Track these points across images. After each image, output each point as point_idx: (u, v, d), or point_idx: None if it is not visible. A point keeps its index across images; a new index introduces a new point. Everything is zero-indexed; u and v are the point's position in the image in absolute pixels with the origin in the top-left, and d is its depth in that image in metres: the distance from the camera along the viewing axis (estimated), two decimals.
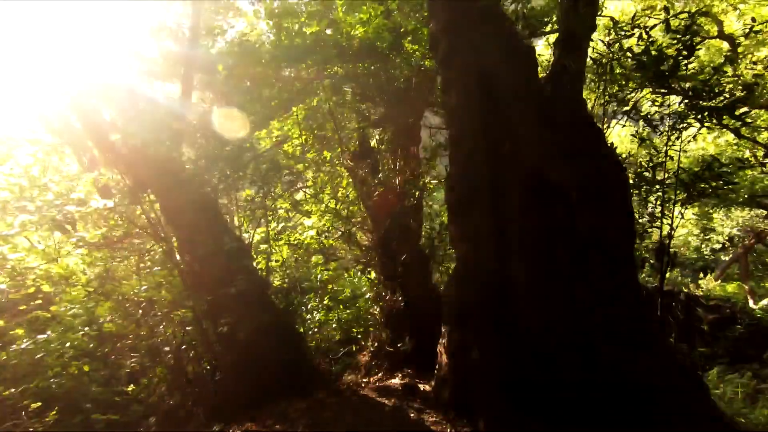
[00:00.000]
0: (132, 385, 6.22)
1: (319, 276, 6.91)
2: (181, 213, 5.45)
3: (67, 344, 5.11)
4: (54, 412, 4.89)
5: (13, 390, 4.49)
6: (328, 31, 5.92)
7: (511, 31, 4.41)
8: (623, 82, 4.11)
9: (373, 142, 8.30)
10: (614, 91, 4.30)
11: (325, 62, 5.59)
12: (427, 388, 5.00)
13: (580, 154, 4.00)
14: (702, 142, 12.12)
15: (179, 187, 5.47)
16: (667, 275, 4.80)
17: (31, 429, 4.62)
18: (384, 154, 7.46)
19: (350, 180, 8.19)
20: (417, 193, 6.28)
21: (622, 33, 3.97)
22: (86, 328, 5.67)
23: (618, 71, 4.15)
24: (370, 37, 6.03)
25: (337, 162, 6.82)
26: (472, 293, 4.25)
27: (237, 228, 7.00)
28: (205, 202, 5.73)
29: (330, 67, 6.29)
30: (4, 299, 5.71)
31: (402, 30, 5.88)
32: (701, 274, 20.93)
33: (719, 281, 20.42)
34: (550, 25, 6.49)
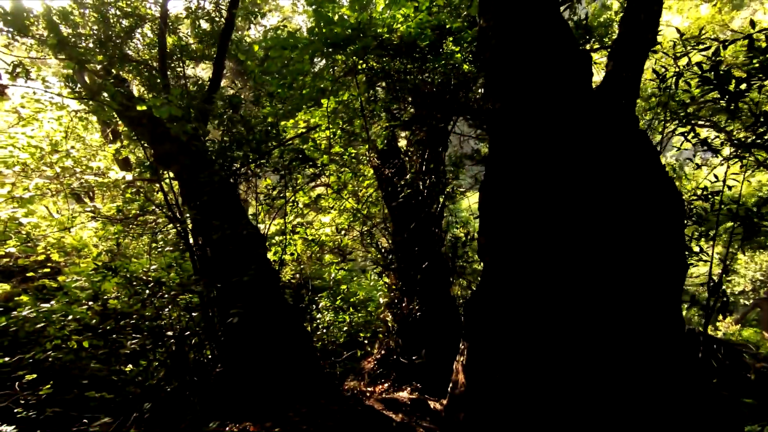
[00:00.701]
0: (131, 366, 6.04)
1: (333, 275, 6.65)
2: (199, 194, 5.26)
3: (70, 317, 4.93)
4: (48, 386, 4.72)
5: (7, 359, 4.31)
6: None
7: (568, 34, 4.11)
8: (688, 101, 3.78)
9: (401, 143, 8.06)
10: (675, 109, 3.96)
11: (363, 52, 5.35)
12: (438, 406, 4.68)
13: (632, 175, 3.68)
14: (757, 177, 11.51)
15: (200, 167, 5.28)
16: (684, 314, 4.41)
17: (22, 401, 4.45)
18: (412, 156, 7.20)
19: (373, 179, 7.95)
20: (442, 199, 6.00)
21: (692, 46, 3.64)
22: (91, 303, 5.52)
23: (682, 88, 3.81)
24: (412, 32, 5.79)
25: (364, 159, 6.57)
26: (499, 311, 3.94)
27: (254, 217, 6.80)
28: (224, 185, 5.54)
29: (367, 60, 6.06)
30: (13, 263, 5.60)
31: (447, 27, 5.62)
32: (720, 316, 20.21)
33: (738, 325, 19.78)
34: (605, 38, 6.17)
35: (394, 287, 5.61)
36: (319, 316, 6.43)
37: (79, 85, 5.29)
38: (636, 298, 3.45)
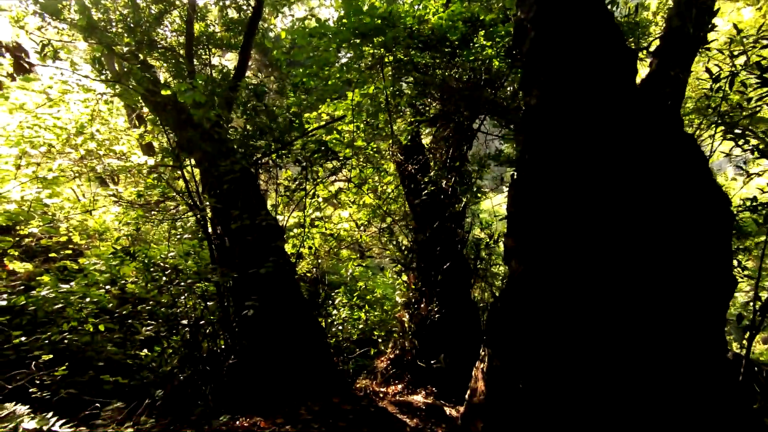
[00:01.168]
0: (146, 351, 6.05)
1: (350, 271, 6.52)
2: (220, 183, 5.19)
3: (88, 299, 4.93)
4: (64, 368, 4.73)
5: (24, 339, 4.32)
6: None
7: (613, 28, 3.86)
8: (744, 102, 3.49)
9: (425, 140, 7.87)
10: (725, 110, 3.67)
11: (393, 42, 5.18)
12: (454, 413, 4.50)
13: (678, 181, 3.42)
14: None
15: (222, 155, 5.20)
16: None
17: (38, 381, 4.46)
18: (435, 154, 7.01)
19: (395, 175, 7.79)
20: (465, 199, 5.79)
21: (752, 44, 3.35)
22: (109, 287, 5.53)
23: (736, 89, 3.52)
24: (443, 24, 5.58)
25: (386, 155, 6.41)
26: (525, 319, 3.74)
27: (273, 208, 6.72)
28: (245, 175, 5.46)
29: (394, 53, 5.89)
30: (36, 244, 5.66)
31: (480, 19, 5.40)
32: (747, 335, 19.35)
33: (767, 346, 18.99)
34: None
35: (412, 287, 5.44)
36: (334, 312, 6.32)
37: (106, 69, 5.27)
38: (677, 314, 3.21)
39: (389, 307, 7.07)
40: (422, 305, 5.39)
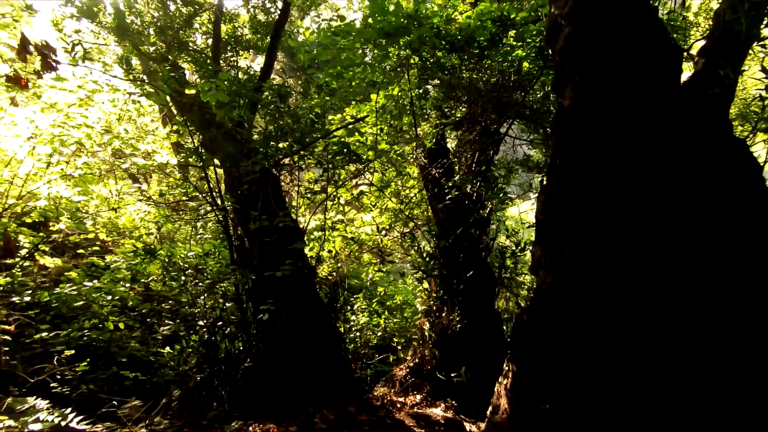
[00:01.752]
0: (168, 348, 6.09)
1: (370, 276, 6.38)
2: (241, 183, 5.16)
3: (109, 297, 4.98)
4: (85, 363, 4.78)
5: (45, 334, 4.38)
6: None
7: (656, 23, 3.59)
8: None
9: (450, 144, 7.67)
10: None
11: (418, 42, 5.03)
12: (474, 429, 4.28)
13: (728, 189, 3.12)
14: None
15: (243, 155, 5.18)
16: None
17: (59, 376, 4.52)
18: (461, 158, 6.80)
19: (418, 179, 7.62)
20: (491, 205, 5.56)
21: None
22: (132, 284, 5.58)
23: None
24: (471, 24, 5.40)
25: (410, 158, 6.26)
26: (554, 334, 3.49)
27: (294, 210, 6.68)
28: (266, 176, 5.41)
29: (420, 53, 5.74)
30: (65, 240, 5.79)
31: (511, 18, 5.19)
32: None
33: None
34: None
35: (434, 295, 5.25)
36: (353, 318, 6.19)
37: (135, 69, 5.35)
38: (727, 338, 2.90)
39: (409, 314, 6.89)
40: (444, 314, 5.19)
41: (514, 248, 5.11)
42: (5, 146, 4.90)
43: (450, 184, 5.47)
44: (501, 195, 5.11)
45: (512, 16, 4.90)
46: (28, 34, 4.53)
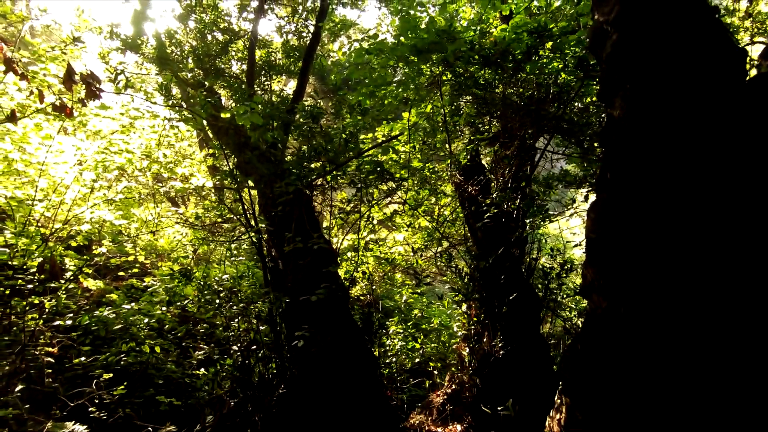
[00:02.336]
0: (203, 369, 6.07)
1: (404, 297, 6.17)
2: (274, 204, 5.13)
3: (146, 320, 5.01)
4: (122, 387, 4.79)
5: (83, 359, 4.41)
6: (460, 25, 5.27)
7: (715, 24, 3.31)
8: None
9: (485, 160, 7.46)
10: None
11: (453, 57, 4.92)
12: None
13: None
14: None
15: (277, 176, 5.16)
16: None
17: (97, 400, 4.53)
18: (497, 174, 6.56)
19: (453, 197, 7.41)
20: (531, 222, 5.26)
21: None
22: (169, 307, 5.62)
23: None
24: (506, 37, 5.25)
25: (444, 176, 6.08)
26: (613, 365, 3.17)
27: (327, 230, 6.60)
28: (299, 196, 5.37)
29: (454, 68, 5.62)
30: (104, 262, 5.94)
31: (548, 29, 5.00)
32: None
33: None
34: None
35: (475, 319, 4.98)
36: (388, 341, 5.97)
37: (173, 96, 5.51)
38: None
39: (446, 337, 6.59)
40: (485, 339, 4.90)
41: (558, 269, 4.79)
42: (53, 173, 5.10)
43: (488, 202, 5.24)
44: (543, 212, 4.83)
45: (550, 27, 4.71)
46: (76, 66, 4.75)
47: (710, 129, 3.08)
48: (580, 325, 6.60)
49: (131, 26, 7.64)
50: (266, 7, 8.28)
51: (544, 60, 5.88)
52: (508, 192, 5.54)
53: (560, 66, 6.02)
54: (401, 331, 5.91)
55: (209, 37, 7.92)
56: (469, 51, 4.80)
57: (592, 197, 6.74)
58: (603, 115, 6.92)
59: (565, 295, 5.61)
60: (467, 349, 5.40)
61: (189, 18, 8.12)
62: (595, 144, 6.77)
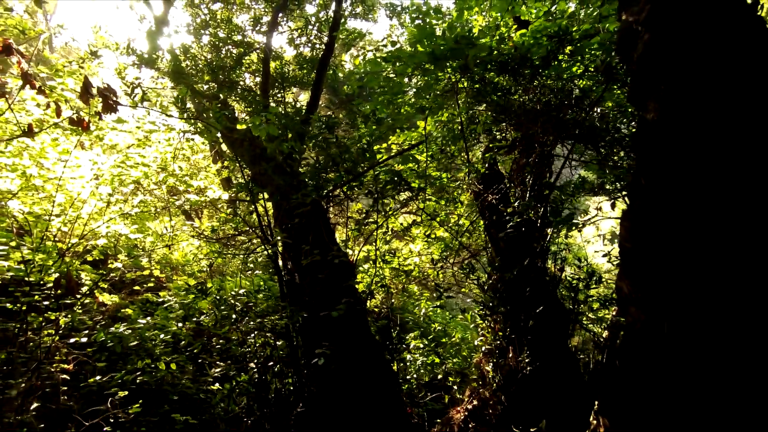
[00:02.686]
0: (218, 385, 5.95)
1: (423, 310, 5.99)
2: (291, 216, 5.03)
3: (162, 336, 4.91)
4: (138, 405, 4.68)
5: (99, 377, 4.32)
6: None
7: (756, 21, 3.13)
8: None
9: (503, 168, 7.29)
10: None
11: (473, 63, 4.81)
12: None
13: None
14: None
15: (293, 188, 5.07)
16: None
17: (112, 420, 4.42)
18: (515, 182, 6.39)
19: (470, 206, 7.24)
20: (555, 231, 5.08)
21: None
22: (184, 323, 5.53)
23: None
24: (525, 42, 5.12)
25: (463, 185, 5.93)
26: (653, 383, 2.95)
27: (344, 242, 6.48)
28: (316, 208, 5.27)
29: (472, 76, 5.51)
30: (119, 277, 5.90)
31: (570, 32, 4.86)
32: None
33: None
34: None
35: (500, 333, 4.77)
36: (408, 357, 5.78)
37: (188, 109, 5.49)
38: None
39: (466, 351, 6.37)
40: (510, 355, 4.68)
41: (587, 279, 4.58)
42: (70, 187, 5.09)
43: (509, 211, 5.07)
44: (570, 221, 4.63)
45: (574, 29, 4.57)
46: (94, 82, 4.75)
47: (754, 132, 2.90)
48: (606, 336, 6.33)
49: (147, 42, 7.72)
50: (279, 20, 8.31)
51: (564, 65, 5.74)
52: (530, 200, 5.36)
53: (580, 71, 5.87)
54: (422, 346, 5.72)
55: (223, 51, 7.96)
56: (487, 57, 4.68)
57: (619, 205, 6.51)
58: (624, 120, 6.74)
59: (592, 308, 5.37)
60: (490, 365, 5.18)
61: (203, 32, 8.19)
62: (615, 150, 6.58)
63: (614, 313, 6.02)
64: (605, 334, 6.30)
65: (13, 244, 4.59)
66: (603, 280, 4.87)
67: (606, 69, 5.36)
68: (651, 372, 3.02)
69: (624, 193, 5.75)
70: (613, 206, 5.44)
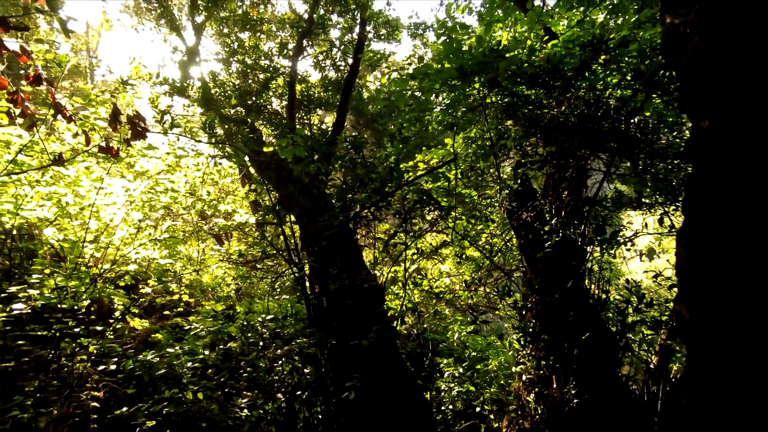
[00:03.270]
0: (246, 411, 5.80)
1: (456, 335, 5.69)
2: (318, 239, 4.92)
3: (189, 364, 4.83)
4: None
5: (125, 409, 4.25)
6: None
7: None
8: None
9: (536, 183, 7.00)
10: None
11: (504, 76, 4.64)
12: None
13: None
14: None
15: (320, 210, 4.97)
16: None
17: None
18: (551, 198, 6.08)
19: (502, 224, 6.96)
20: (597, 250, 4.73)
21: None
22: (212, 352, 5.45)
23: None
24: (557, 52, 4.92)
25: (494, 202, 5.69)
26: (721, 424, 2.59)
27: (372, 264, 6.31)
28: (343, 230, 5.14)
29: (502, 90, 5.33)
30: (149, 302, 5.92)
31: (604, 42, 4.64)
32: None
33: None
34: None
35: (543, 363, 4.44)
36: (443, 385, 5.47)
37: (217, 133, 5.54)
38: None
39: (503, 379, 5.99)
40: (554, 385, 4.33)
41: (637, 303, 4.20)
42: (103, 213, 5.17)
43: (547, 229, 4.78)
44: (615, 239, 4.31)
45: (611, 37, 4.34)
46: (128, 110, 4.87)
47: None
48: (656, 362, 5.82)
49: (179, 71, 7.97)
50: (304, 44, 8.43)
51: (600, 74, 5.49)
52: (569, 217, 5.06)
53: (615, 80, 5.60)
54: (457, 375, 5.41)
55: (250, 77, 8.12)
56: (517, 69, 4.50)
57: (669, 220, 6.07)
58: (665, 130, 6.37)
59: (642, 333, 4.95)
60: (531, 395, 4.81)
61: (232, 60, 8.40)
62: (655, 161, 6.21)
63: (664, 336, 5.55)
64: (655, 359, 5.81)
65: (47, 271, 4.67)
66: (654, 302, 4.47)
67: (647, 77, 5.08)
68: (724, 410, 2.67)
69: (672, 207, 5.35)
70: (660, 221, 5.06)
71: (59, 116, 3.01)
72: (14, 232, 4.72)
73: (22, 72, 2.52)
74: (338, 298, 4.74)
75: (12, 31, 2.19)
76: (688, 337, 3.11)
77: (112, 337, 5.70)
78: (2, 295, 4.39)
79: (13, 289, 4.46)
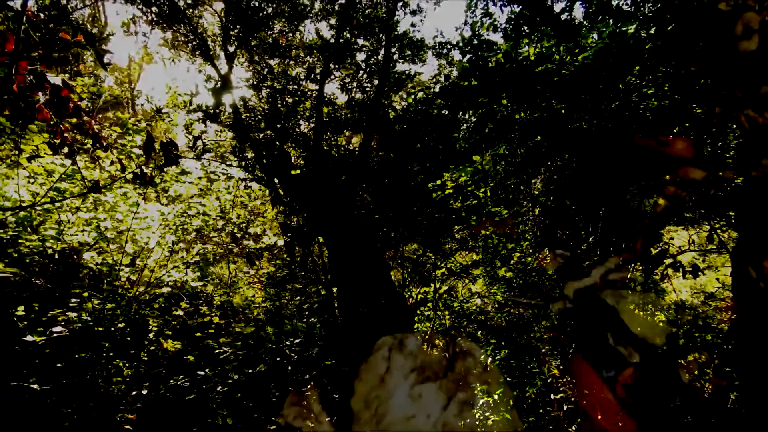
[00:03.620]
0: None
1: (490, 359, 5.45)
2: (346, 262, 4.87)
3: (219, 388, 4.82)
4: None
5: None
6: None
7: None
8: None
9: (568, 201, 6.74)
10: None
11: (533, 91, 4.53)
12: None
13: None
14: None
15: (348, 231, 4.93)
16: None
17: None
18: (586, 214, 5.83)
19: (533, 242, 6.71)
20: (652, 270, 4.45)
21: None
22: (239, 374, 5.43)
23: None
24: (588, 65, 4.78)
25: (527, 219, 5.51)
26: None
27: (399, 284, 6.19)
28: (372, 252, 5.07)
29: (531, 105, 5.21)
30: (179, 325, 6.01)
31: (641, 49, 4.47)
32: None
33: None
34: None
35: (586, 392, 4.14)
36: (479, 415, 5.22)
37: (248, 157, 5.66)
38: None
39: (542, 407, 5.65)
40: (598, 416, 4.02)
41: (692, 329, 3.87)
42: (138, 237, 5.33)
43: (584, 248, 4.55)
44: (663, 258, 4.03)
45: (648, 46, 4.17)
46: (165, 137, 5.04)
47: None
48: (710, 390, 5.35)
49: (212, 98, 8.29)
50: (331, 68, 8.61)
51: (635, 85, 5.29)
52: (607, 235, 4.81)
53: (651, 91, 5.38)
54: (491, 402, 5.15)
55: (279, 101, 8.34)
56: (546, 83, 4.38)
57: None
58: (706, 137, 6.04)
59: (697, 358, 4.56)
60: (573, 426, 4.49)
61: (261, 85, 8.66)
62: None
63: (716, 362, 5.12)
64: (709, 387, 5.36)
65: (85, 294, 4.82)
66: (708, 324, 4.13)
67: (690, 84, 4.84)
68: None
69: (722, 223, 5.01)
70: (710, 238, 4.72)
71: (97, 145, 3.12)
72: (56, 256, 4.92)
73: (62, 105, 2.63)
74: (366, 319, 4.64)
75: (54, 67, 2.28)
76: (745, 370, 2.84)
77: (146, 358, 5.78)
78: (43, 318, 4.54)
79: (53, 312, 4.61)
